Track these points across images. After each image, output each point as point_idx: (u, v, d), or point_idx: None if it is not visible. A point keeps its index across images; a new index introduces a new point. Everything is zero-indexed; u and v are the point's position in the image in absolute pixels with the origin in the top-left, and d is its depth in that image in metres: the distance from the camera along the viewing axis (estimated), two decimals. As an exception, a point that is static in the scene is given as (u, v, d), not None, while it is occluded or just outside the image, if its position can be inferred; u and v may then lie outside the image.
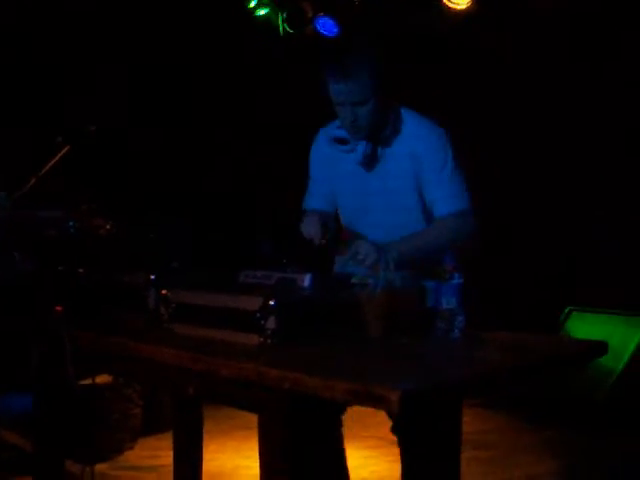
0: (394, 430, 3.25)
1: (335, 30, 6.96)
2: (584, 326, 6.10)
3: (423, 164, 3.26)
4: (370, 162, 3.32)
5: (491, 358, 2.42)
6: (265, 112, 7.27)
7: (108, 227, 3.33)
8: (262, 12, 7.21)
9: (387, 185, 3.30)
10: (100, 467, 4.66)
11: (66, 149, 4.00)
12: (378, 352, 2.42)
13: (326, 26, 6.96)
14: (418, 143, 3.26)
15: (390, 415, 3.23)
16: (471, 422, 5.54)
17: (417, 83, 3.48)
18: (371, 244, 3.06)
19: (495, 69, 6.44)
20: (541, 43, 6.25)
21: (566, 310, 6.28)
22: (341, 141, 3.36)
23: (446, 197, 3.26)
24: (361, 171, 3.35)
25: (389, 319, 2.56)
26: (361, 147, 3.29)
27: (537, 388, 5.78)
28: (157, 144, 6.81)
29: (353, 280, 2.74)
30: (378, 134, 3.28)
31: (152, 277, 2.84)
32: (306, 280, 2.59)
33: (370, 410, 2.38)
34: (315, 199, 3.57)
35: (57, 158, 4.02)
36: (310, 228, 3.22)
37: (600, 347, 2.58)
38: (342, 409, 3.21)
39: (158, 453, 5.11)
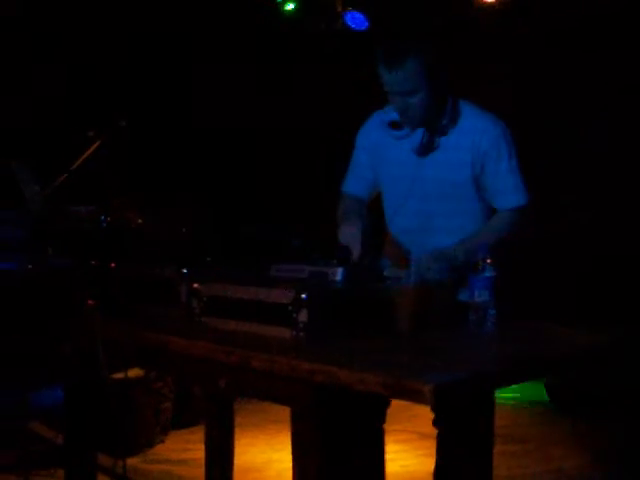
0: (435, 423, 3.25)
1: (365, 24, 6.93)
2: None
3: (486, 157, 3.26)
4: (426, 150, 3.31)
5: (523, 350, 2.41)
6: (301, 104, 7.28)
7: (140, 221, 3.34)
8: (290, 7, 7.17)
9: (442, 174, 3.30)
10: (131, 460, 4.68)
11: (97, 143, 4.02)
12: (410, 345, 2.41)
13: (356, 20, 6.93)
14: (482, 137, 3.26)
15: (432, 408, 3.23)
16: (503, 416, 5.52)
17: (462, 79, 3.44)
18: (437, 257, 3.04)
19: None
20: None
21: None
22: (396, 125, 3.35)
23: (508, 191, 3.29)
24: (413, 158, 3.34)
25: (421, 313, 2.56)
26: (418, 134, 3.30)
27: (569, 379, 5.75)
28: (189, 137, 6.83)
29: (385, 274, 2.74)
30: (435, 123, 3.28)
31: (184, 271, 2.85)
32: (338, 274, 2.59)
33: (401, 404, 2.38)
34: (355, 183, 3.55)
35: (88, 153, 4.03)
36: (349, 237, 3.19)
37: (632, 340, 2.56)
38: (385, 404, 3.20)
39: (189, 446, 5.13)
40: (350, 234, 3.14)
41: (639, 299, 6.02)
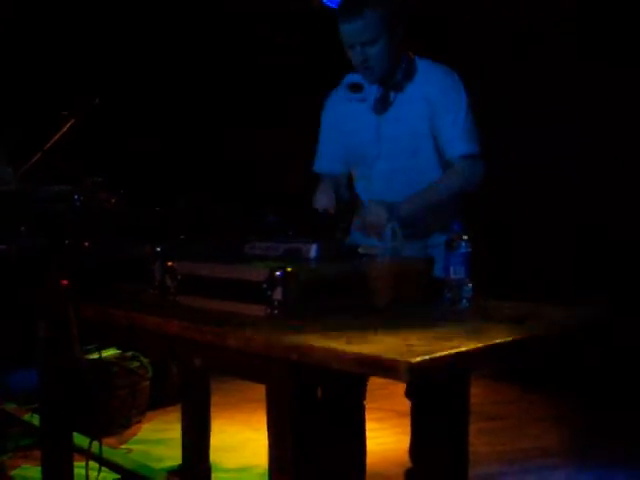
0: (408, 394, 3.26)
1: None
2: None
3: (437, 106, 3.26)
4: (382, 106, 3.32)
5: (499, 328, 2.40)
6: (269, 83, 7.26)
7: (114, 200, 3.31)
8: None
9: (400, 129, 3.30)
10: (108, 441, 4.68)
11: (71, 122, 3.99)
12: (385, 322, 2.40)
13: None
14: (432, 87, 3.27)
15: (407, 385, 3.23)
16: (481, 393, 5.56)
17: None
18: (379, 204, 3.06)
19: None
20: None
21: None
22: (356, 87, 3.35)
23: (458, 139, 3.28)
24: (374, 119, 3.34)
25: (396, 289, 2.55)
26: (373, 89, 3.29)
27: (548, 358, 5.77)
28: (162, 116, 6.79)
29: (360, 250, 2.73)
30: (390, 79, 3.28)
31: (158, 249, 2.83)
32: (312, 251, 2.57)
33: (377, 382, 2.38)
34: (326, 160, 3.55)
35: (62, 132, 4.00)
36: (323, 198, 3.20)
37: (610, 318, 2.56)
38: (361, 381, 3.20)
39: (166, 426, 5.13)
40: (324, 194, 3.16)
41: (627, 278, 6.07)
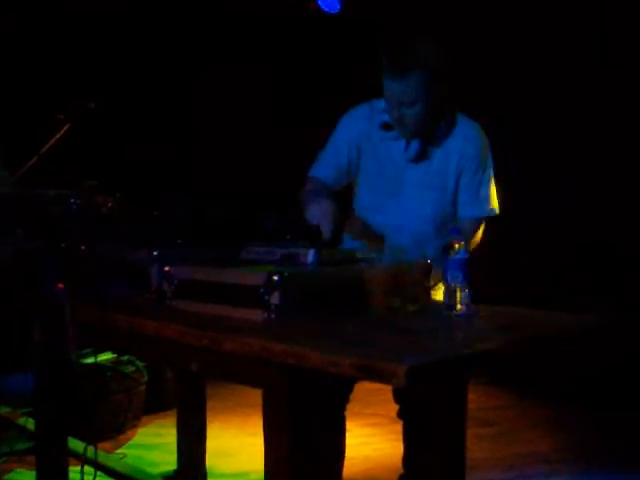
0: (400, 415, 3.26)
1: (337, 7, 6.88)
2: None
3: (466, 164, 3.29)
4: (419, 159, 3.32)
5: (497, 334, 2.40)
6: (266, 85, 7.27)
7: (110, 204, 3.31)
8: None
9: (430, 180, 3.31)
10: (103, 445, 4.66)
11: (67, 126, 3.98)
12: (383, 327, 2.40)
13: (328, 3, 6.88)
14: (469, 146, 3.28)
15: (396, 399, 3.23)
16: (476, 399, 5.55)
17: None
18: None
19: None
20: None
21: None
22: (388, 127, 3.33)
23: (472, 201, 3.32)
24: (403, 161, 3.34)
25: (394, 295, 2.54)
26: (414, 144, 3.30)
27: (544, 364, 5.77)
28: (158, 120, 6.79)
29: (358, 255, 2.73)
30: (430, 134, 3.28)
31: (155, 253, 2.83)
32: (310, 255, 2.57)
33: (373, 388, 2.37)
34: (326, 169, 3.48)
35: (58, 136, 4.00)
36: (319, 215, 3.16)
37: (606, 324, 2.56)
38: (349, 387, 3.20)
39: (161, 431, 5.12)
40: (320, 212, 3.11)
41: (619, 286, 6.06)
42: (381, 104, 3.32)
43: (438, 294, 2.74)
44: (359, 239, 3.36)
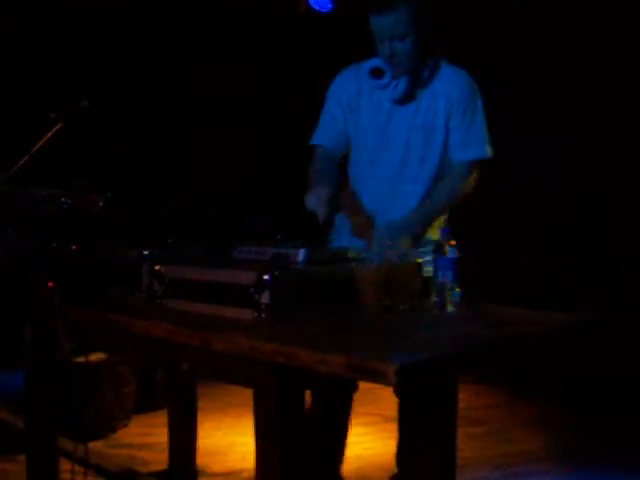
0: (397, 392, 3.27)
1: (329, 6, 6.88)
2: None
3: (455, 106, 3.31)
4: (406, 100, 3.35)
5: (486, 333, 2.41)
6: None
7: (101, 203, 3.31)
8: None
9: (417, 122, 3.33)
10: (94, 445, 4.65)
11: (59, 125, 3.97)
12: (373, 326, 2.41)
13: (319, 2, 6.88)
14: (455, 87, 3.32)
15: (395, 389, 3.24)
16: (466, 398, 5.55)
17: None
18: (396, 230, 3.03)
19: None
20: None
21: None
22: (378, 72, 3.36)
23: (462, 144, 3.33)
24: (387, 108, 3.37)
25: (384, 293, 2.55)
26: (401, 83, 3.32)
27: (533, 363, 5.77)
28: (150, 118, 6.78)
29: (348, 255, 2.73)
30: (416, 75, 3.31)
31: (145, 253, 2.83)
32: (300, 255, 2.57)
33: (365, 387, 2.38)
34: (325, 136, 3.53)
35: (50, 134, 3.99)
36: (313, 199, 3.19)
37: (595, 322, 2.57)
38: (353, 385, 3.22)
39: (152, 431, 5.11)
40: (316, 198, 3.15)
41: (612, 283, 6.08)
42: (368, 63, 3.39)
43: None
44: (350, 219, 3.36)
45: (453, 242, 2.60)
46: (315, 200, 3.15)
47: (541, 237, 6.53)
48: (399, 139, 3.35)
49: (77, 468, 3.12)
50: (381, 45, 3.25)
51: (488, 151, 3.35)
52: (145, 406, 5.47)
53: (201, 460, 3.99)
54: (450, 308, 2.59)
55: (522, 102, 6.25)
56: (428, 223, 3.26)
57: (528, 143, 6.33)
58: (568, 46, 6.18)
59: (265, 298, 2.36)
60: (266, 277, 2.36)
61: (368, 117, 3.41)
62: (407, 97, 3.33)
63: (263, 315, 2.36)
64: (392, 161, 3.36)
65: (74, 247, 3.09)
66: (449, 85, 3.32)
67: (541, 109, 6.32)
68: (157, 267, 2.75)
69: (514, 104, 6.06)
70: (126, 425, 5.30)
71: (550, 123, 6.31)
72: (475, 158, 3.34)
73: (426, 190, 3.32)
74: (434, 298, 2.61)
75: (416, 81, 3.32)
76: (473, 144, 3.32)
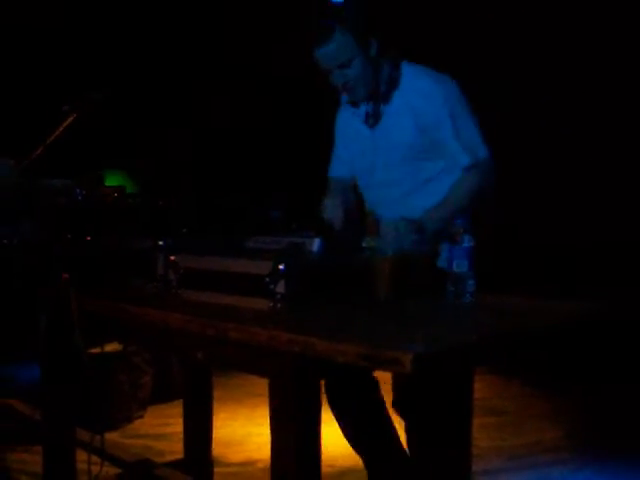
0: (395, 405, 3.26)
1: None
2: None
3: (427, 118, 3.19)
4: (374, 120, 3.30)
5: (502, 322, 2.41)
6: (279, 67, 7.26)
7: (115, 194, 3.31)
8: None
9: (393, 140, 3.26)
10: (110, 436, 4.66)
11: (73, 117, 3.98)
12: (388, 316, 2.40)
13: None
14: (418, 97, 3.21)
15: (394, 387, 3.24)
16: (482, 388, 5.56)
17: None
18: (405, 223, 3.01)
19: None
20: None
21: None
22: (353, 103, 3.35)
23: (456, 152, 3.20)
24: (367, 131, 3.33)
25: (399, 283, 2.55)
26: (368, 107, 3.29)
27: (550, 353, 5.77)
28: (165, 109, 6.79)
29: (363, 244, 2.73)
30: (376, 92, 3.26)
31: (160, 243, 2.83)
32: (315, 244, 2.57)
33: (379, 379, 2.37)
34: (338, 165, 3.53)
35: (64, 126, 3.99)
36: (329, 208, 3.17)
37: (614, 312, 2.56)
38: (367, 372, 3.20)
39: (168, 421, 5.13)
40: (331, 206, 3.13)
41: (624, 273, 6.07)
42: None
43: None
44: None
45: (468, 231, 2.60)
46: (330, 208, 3.14)
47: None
48: (381, 161, 3.32)
49: (93, 458, 3.13)
50: (331, 77, 3.20)
51: (482, 152, 3.21)
52: (161, 397, 5.48)
53: (217, 450, 3.99)
54: (465, 298, 2.58)
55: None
56: (444, 221, 3.18)
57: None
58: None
59: (280, 287, 2.36)
60: (281, 266, 2.36)
61: (355, 143, 3.40)
62: (374, 118, 3.30)
63: (278, 305, 2.36)
64: (383, 183, 3.32)
65: (88, 238, 3.09)
66: (412, 96, 3.22)
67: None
68: (172, 257, 2.75)
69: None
70: (142, 416, 5.32)
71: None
72: (470, 163, 3.20)
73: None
74: (449, 288, 2.60)
75: (377, 99, 3.27)
76: (465, 150, 3.19)
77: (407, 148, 3.24)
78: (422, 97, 3.21)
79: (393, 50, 3.27)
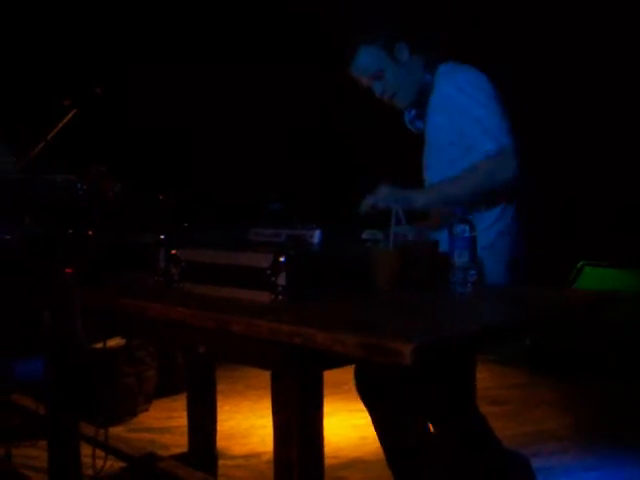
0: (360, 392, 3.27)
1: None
2: (596, 281, 6.03)
3: (452, 113, 3.18)
4: (417, 125, 3.40)
5: (503, 312, 2.41)
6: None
7: (117, 189, 3.31)
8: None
9: (434, 143, 3.30)
10: (115, 429, 4.69)
11: (73, 112, 3.99)
12: (389, 307, 2.40)
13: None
14: (434, 96, 3.25)
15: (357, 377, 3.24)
16: (486, 378, 5.57)
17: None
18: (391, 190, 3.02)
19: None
20: None
21: (579, 265, 6.21)
22: (400, 110, 3.42)
23: (479, 136, 3.12)
24: (416, 136, 3.40)
25: (400, 274, 2.55)
26: (412, 114, 3.40)
27: (553, 342, 5.78)
28: (164, 104, 6.79)
29: (364, 236, 2.73)
30: (421, 98, 3.30)
31: (162, 237, 2.83)
32: (316, 236, 2.57)
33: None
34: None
35: (65, 121, 4.00)
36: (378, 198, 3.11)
37: (612, 298, 2.56)
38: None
39: (172, 414, 5.14)
40: (381, 192, 3.06)
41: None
42: None
43: None
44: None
45: (467, 221, 2.60)
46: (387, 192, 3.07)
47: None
48: (432, 162, 3.35)
49: (98, 452, 3.14)
50: (374, 90, 3.29)
51: (499, 141, 3.07)
52: (166, 390, 5.50)
53: (221, 443, 4.00)
54: (467, 287, 2.58)
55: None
56: (435, 199, 3.14)
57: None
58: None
59: (281, 280, 2.36)
60: (282, 259, 2.36)
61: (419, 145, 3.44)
62: (418, 122, 3.39)
63: (280, 297, 2.36)
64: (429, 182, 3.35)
65: (90, 233, 3.10)
66: (438, 97, 3.24)
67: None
68: (173, 251, 2.75)
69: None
70: (147, 409, 5.33)
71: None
72: (490, 150, 3.07)
73: None
74: (451, 278, 2.60)
75: (421, 104, 3.32)
76: (484, 138, 3.10)
77: (447, 147, 3.24)
78: (443, 93, 3.23)
79: (428, 51, 3.29)
